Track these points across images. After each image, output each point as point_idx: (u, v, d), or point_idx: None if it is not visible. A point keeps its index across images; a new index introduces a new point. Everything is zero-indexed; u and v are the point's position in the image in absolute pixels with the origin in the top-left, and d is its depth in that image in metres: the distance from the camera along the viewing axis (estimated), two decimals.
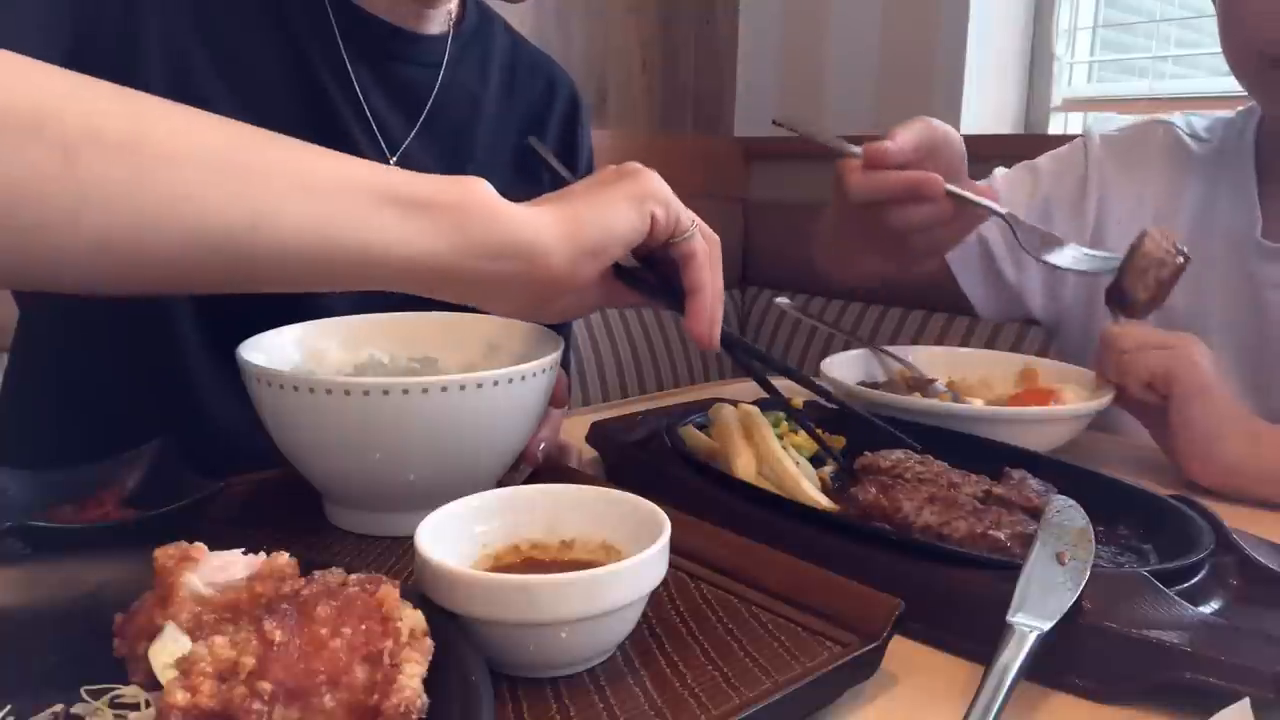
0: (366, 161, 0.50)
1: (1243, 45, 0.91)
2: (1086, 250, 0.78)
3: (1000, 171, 1.14)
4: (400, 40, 0.85)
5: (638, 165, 0.60)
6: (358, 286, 0.50)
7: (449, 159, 0.89)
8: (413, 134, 0.87)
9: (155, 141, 0.44)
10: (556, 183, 0.97)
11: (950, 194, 0.74)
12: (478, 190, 0.52)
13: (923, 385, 0.93)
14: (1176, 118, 1.09)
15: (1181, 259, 0.77)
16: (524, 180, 0.94)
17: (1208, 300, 1.00)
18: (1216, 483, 0.79)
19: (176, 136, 0.44)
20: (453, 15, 0.91)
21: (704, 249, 0.61)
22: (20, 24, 0.65)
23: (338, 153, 0.50)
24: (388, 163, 0.84)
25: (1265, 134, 1.01)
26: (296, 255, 0.47)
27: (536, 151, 0.91)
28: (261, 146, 0.47)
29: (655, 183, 0.58)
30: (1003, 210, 0.76)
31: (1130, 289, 0.76)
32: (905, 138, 0.75)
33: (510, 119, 0.95)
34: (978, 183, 0.80)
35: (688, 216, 0.60)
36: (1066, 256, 0.75)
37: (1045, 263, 0.76)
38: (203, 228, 0.44)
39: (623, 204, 0.56)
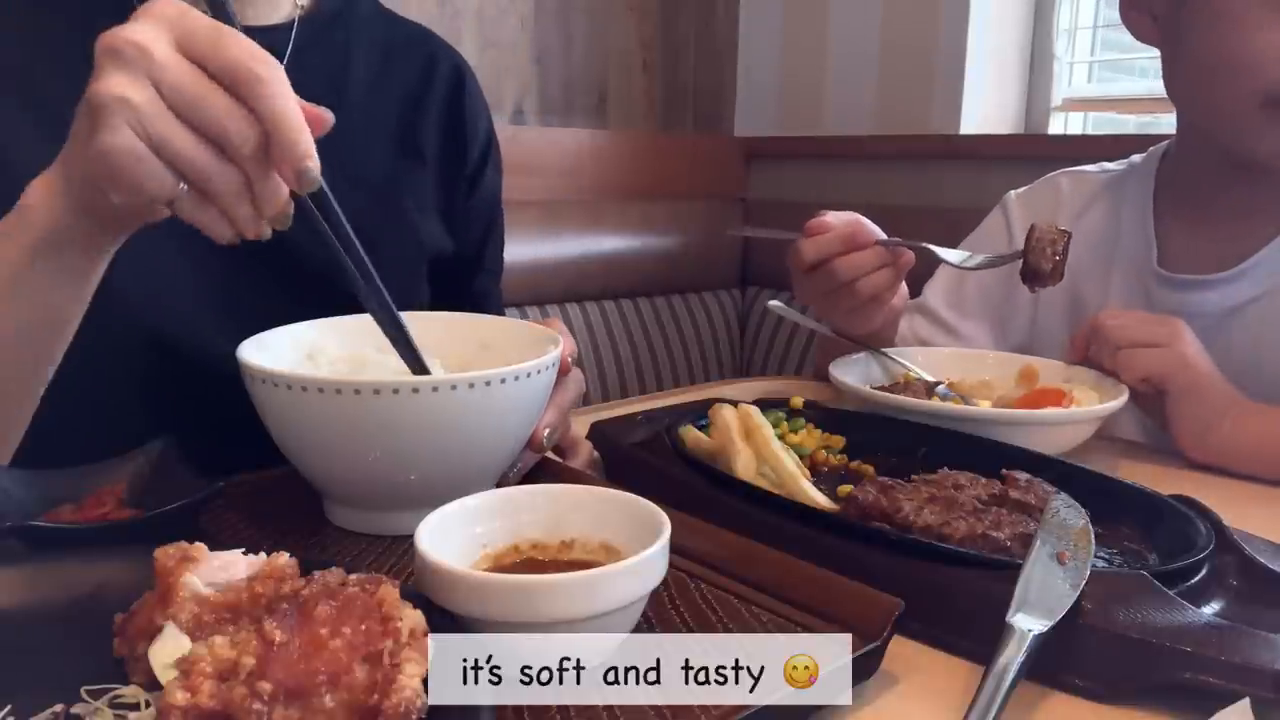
0: None
1: (1244, 90, 0.88)
2: (990, 256, 0.97)
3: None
4: None
5: None
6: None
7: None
8: None
9: None
10: (443, 164, 0.94)
11: (879, 241, 0.93)
12: None
13: (928, 387, 0.93)
14: (1086, 166, 1.18)
15: (1067, 232, 0.92)
16: (409, 161, 0.93)
17: None
18: (1210, 461, 0.88)
19: None
20: (301, 4, 0.87)
21: None
22: None
23: None
24: None
25: (1166, 168, 1.08)
26: None
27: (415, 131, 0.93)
28: None
29: None
30: (921, 244, 0.94)
31: (1036, 264, 0.91)
32: (834, 214, 0.95)
33: (386, 102, 0.92)
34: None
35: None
36: (978, 259, 0.96)
37: (963, 267, 0.97)
38: None
39: None
